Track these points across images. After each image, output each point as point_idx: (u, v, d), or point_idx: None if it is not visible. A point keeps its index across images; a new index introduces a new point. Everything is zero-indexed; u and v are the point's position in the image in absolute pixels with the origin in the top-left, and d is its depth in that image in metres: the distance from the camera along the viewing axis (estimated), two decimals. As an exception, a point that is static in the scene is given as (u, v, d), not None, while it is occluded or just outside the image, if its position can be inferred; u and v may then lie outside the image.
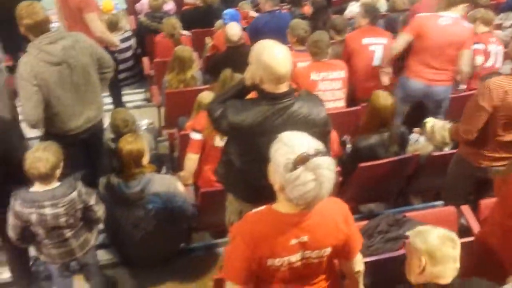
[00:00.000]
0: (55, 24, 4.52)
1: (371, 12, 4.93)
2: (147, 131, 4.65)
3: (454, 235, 2.02)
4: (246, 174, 2.54)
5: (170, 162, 4.62)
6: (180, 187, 3.33)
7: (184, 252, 3.74)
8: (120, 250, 3.51)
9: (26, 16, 3.22)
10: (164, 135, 5.20)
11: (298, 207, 1.80)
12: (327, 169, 1.71)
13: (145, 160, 3.24)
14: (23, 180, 2.76)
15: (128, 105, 5.92)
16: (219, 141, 3.40)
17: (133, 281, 3.55)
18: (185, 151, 3.65)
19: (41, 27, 3.26)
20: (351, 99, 4.67)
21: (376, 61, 4.74)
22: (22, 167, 2.69)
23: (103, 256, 3.57)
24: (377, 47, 4.75)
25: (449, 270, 1.97)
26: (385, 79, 4.59)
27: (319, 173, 1.69)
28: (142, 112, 5.72)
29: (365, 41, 4.77)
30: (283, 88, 2.36)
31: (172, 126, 4.87)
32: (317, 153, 1.70)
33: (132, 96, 6.31)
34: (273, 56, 2.26)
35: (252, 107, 2.39)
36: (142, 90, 6.48)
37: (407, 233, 2.12)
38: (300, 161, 1.70)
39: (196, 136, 3.52)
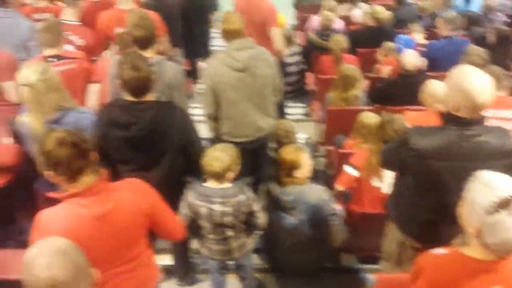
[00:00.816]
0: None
1: None
2: (305, 145, 4.72)
3: None
4: (419, 207, 2.45)
5: (324, 179, 4.62)
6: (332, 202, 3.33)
7: (330, 270, 3.69)
8: (272, 256, 3.59)
9: (225, 22, 3.56)
10: (321, 151, 5.22)
11: (495, 254, 1.67)
12: None
13: (304, 171, 3.28)
14: (199, 173, 2.97)
15: (288, 117, 6.05)
16: (377, 182, 3.33)
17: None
18: (340, 170, 3.62)
19: (233, 35, 3.54)
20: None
21: None
22: (198, 161, 2.90)
23: (256, 260, 3.66)
24: None
25: None
26: None
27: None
28: (300, 126, 5.79)
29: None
30: (476, 115, 2.22)
31: (329, 143, 4.87)
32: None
33: (293, 110, 6.44)
34: (475, 84, 2.15)
35: (437, 131, 2.31)
36: (303, 104, 6.59)
37: None
38: (505, 204, 1.58)
39: (350, 171, 3.49)
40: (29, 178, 3.21)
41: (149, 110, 2.81)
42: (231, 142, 3.53)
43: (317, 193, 3.28)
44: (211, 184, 2.92)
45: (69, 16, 4.44)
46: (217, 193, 2.87)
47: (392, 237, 2.79)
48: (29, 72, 2.89)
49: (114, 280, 2.15)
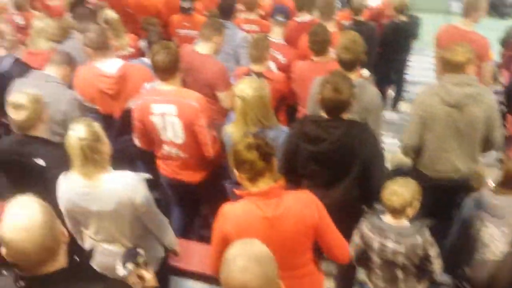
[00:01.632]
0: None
1: None
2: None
3: None
4: None
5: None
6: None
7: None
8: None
9: (450, 52, 3.37)
10: None
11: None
12: None
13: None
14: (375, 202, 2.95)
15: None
16: None
17: None
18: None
19: (454, 67, 3.34)
20: None
21: None
22: (378, 189, 2.84)
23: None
24: None
25: None
26: None
27: None
28: (491, 172, 5.32)
29: None
30: None
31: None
32: None
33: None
34: None
35: None
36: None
37: None
38: None
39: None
40: (220, 176, 3.49)
41: (341, 128, 2.87)
42: (423, 175, 3.47)
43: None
44: (387, 218, 2.84)
45: (276, 34, 4.73)
46: (393, 230, 2.78)
47: None
48: (246, 87, 3.13)
49: None
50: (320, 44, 3.98)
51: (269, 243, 2.13)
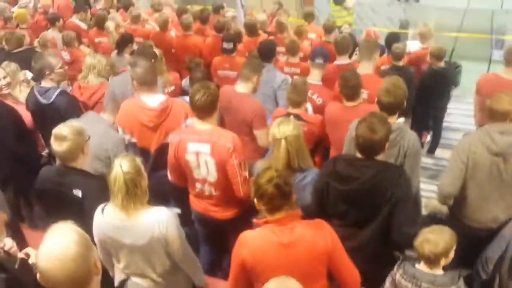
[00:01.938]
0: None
1: None
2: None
3: None
4: None
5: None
6: None
7: None
8: None
9: (495, 101, 3.31)
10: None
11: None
12: None
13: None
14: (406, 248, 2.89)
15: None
16: None
17: None
18: None
19: (500, 116, 3.28)
20: None
21: None
22: (409, 234, 2.81)
23: None
24: None
25: None
26: None
27: None
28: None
29: None
30: None
31: None
32: None
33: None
34: None
35: None
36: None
37: None
38: None
39: None
40: (249, 214, 3.49)
41: (373, 168, 2.87)
42: (460, 223, 3.39)
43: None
44: (421, 266, 2.76)
45: (314, 76, 4.81)
46: (427, 279, 2.70)
47: None
48: (286, 127, 3.18)
49: None
50: (351, 89, 3.99)
51: (284, 269, 2.32)
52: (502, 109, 3.27)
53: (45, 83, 4.28)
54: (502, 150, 3.24)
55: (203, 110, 3.33)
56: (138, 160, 2.67)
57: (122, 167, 2.56)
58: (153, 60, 3.96)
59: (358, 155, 2.95)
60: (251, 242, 2.46)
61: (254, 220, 2.54)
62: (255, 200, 2.48)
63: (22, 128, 4.20)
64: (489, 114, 3.37)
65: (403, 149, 3.34)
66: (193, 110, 3.39)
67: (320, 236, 2.44)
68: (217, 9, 7.95)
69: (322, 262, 2.47)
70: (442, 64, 5.88)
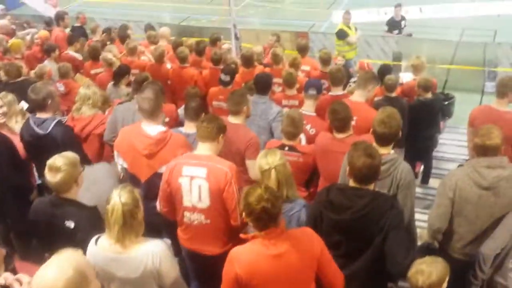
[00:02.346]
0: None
1: None
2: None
3: None
4: None
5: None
6: None
7: None
8: None
9: (483, 135, 3.32)
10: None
11: None
12: None
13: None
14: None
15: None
16: None
17: None
18: None
19: (488, 151, 3.30)
20: None
21: None
22: (402, 266, 2.81)
23: None
24: None
25: None
26: None
27: None
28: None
29: None
30: None
31: None
32: None
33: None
34: None
35: None
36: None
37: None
38: None
39: None
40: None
41: (366, 197, 2.87)
42: (451, 257, 3.37)
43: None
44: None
45: (307, 106, 4.86)
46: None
47: None
48: (274, 158, 3.18)
49: None
50: (340, 121, 4.00)
51: (276, 279, 2.49)
52: (495, 144, 3.29)
53: (41, 114, 4.29)
54: (492, 185, 3.26)
55: (207, 137, 3.40)
56: (137, 191, 2.68)
57: (121, 198, 2.56)
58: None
59: (351, 184, 2.96)
60: (243, 257, 2.55)
61: (241, 235, 2.62)
62: (244, 215, 2.59)
63: (17, 157, 4.21)
64: (480, 150, 3.36)
65: (395, 180, 3.34)
66: (199, 137, 3.46)
67: (308, 243, 2.59)
68: (215, 41, 8.05)
69: (312, 268, 2.62)
70: (429, 95, 5.96)
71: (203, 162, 3.34)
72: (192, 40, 8.62)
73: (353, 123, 4.19)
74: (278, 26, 13.11)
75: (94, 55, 7.44)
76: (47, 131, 4.19)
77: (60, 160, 3.07)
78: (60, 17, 9.58)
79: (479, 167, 3.31)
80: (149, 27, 9.84)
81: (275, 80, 6.01)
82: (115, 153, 3.89)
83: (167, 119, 5.06)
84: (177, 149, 3.68)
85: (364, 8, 14.00)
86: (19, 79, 6.10)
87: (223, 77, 5.84)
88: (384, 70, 6.50)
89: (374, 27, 12.08)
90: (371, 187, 2.95)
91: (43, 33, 9.04)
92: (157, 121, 3.80)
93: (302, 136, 4.41)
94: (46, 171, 3.07)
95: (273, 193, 2.59)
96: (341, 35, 9.75)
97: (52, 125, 4.21)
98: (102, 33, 9.31)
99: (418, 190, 5.99)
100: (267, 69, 6.77)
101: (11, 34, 9.51)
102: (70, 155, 3.21)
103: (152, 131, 3.73)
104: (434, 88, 6.34)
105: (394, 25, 10.62)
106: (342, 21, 9.94)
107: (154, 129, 3.74)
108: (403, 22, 10.63)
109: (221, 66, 6.65)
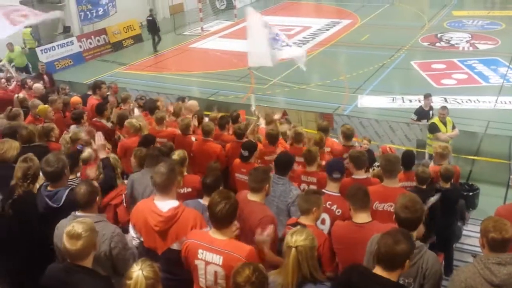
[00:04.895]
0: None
1: None
2: None
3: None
4: None
5: None
6: None
7: None
8: None
9: (496, 229, 3.22)
10: None
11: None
12: None
13: None
14: None
15: None
16: None
17: None
18: None
19: (501, 246, 3.21)
20: None
21: None
22: None
23: None
24: None
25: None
26: None
27: None
28: None
29: None
30: None
31: None
32: None
33: None
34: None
35: None
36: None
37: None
38: None
39: None
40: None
41: (381, 286, 2.81)
42: None
43: None
44: None
45: (331, 187, 4.82)
46: None
47: None
48: (301, 237, 3.13)
49: None
50: (359, 203, 3.94)
51: None
52: (505, 238, 3.19)
53: (53, 186, 4.19)
54: (503, 282, 3.14)
55: (221, 222, 3.35)
56: (156, 266, 2.70)
57: (143, 272, 2.59)
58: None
59: (376, 270, 2.89)
60: None
61: None
62: None
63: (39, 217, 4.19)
64: (494, 244, 3.23)
65: (421, 269, 3.26)
66: (212, 221, 3.40)
67: None
68: (236, 119, 8.24)
69: None
70: (448, 185, 5.88)
71: (219, 249, 3.29)
72: (215, 114, 8.83)
73: (391, 209, 4.08)
74: (302, 106, 13.34)
75: (121, 121, 7.66)
76: (60, 203, 4.10)
77: (79, 227, 3.06)
78: (97, 86, 9.96)
79: (489, 264, 3.19)
80: (181, 99, 10.13)
81: (296, 158, 6.02)
82: (131, 226, 3.91)
83: (189, 189, 5.08)
84: (188, 225, 3.67)
85: (389, 95, 14.26)
86: (34, 144, 5.94)
87: (243, 152, 5.91)
88: (407, 157, 6.41)
89: (399, 113, 12.26)
90: (397, 274, 2.89)
91: (75, 99, 9.34)
92: (170, 196, 3.81)
93: (326, 216, 4.34)
94: (65, 239, 3.04)
95: (261, 275, 2.64)
96: (432, 129, 9.64)
97: (64, 196, 4.11)
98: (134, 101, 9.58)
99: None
100: (288, 147, 6.86)
101: (44, 97, 9.78)
102: (87, 220, 3.22)
103: (164, 207, 3.76)
104: (456, 176, 6.27)
105: (423, 114, 10.65)
106: (437, 115, 9.81)
107: (167, 204, 3.77)
108: (431, 112, 10.68)
109: (244, 140, 6.76)
